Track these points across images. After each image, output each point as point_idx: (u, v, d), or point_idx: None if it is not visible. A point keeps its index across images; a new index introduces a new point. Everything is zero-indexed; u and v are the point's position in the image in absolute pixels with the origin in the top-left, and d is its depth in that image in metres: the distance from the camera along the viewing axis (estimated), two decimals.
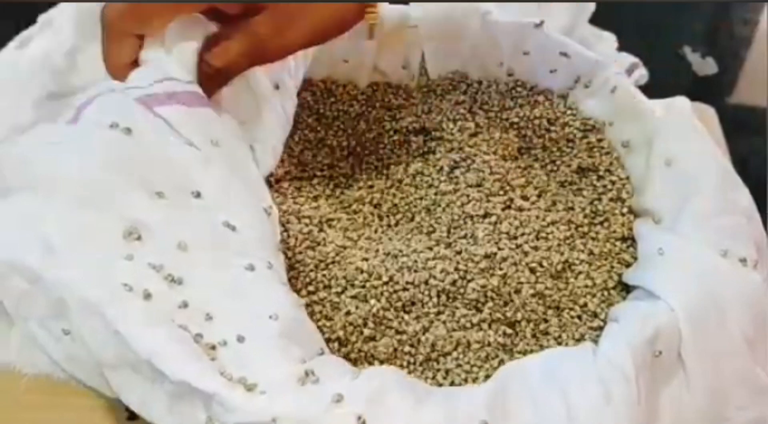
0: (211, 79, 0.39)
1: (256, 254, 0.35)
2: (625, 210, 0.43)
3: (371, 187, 0.45)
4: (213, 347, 0.32)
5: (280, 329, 0.33)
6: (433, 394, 0.34)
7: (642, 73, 0.50)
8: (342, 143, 0.47)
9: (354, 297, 0.39)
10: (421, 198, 0.44)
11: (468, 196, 0.43)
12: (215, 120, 0.37)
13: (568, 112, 0.48)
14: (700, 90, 0.65)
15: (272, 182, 0.45)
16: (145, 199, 0.34)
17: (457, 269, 0.40)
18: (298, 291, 0.39)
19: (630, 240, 0.42)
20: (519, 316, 0.39)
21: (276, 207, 0.40)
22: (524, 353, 0.38)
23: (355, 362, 0.37)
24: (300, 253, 0.40)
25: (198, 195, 0.35)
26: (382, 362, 0.37)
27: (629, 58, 0.51)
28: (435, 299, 0.39)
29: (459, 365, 0.37)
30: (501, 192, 0.44)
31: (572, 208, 0.44)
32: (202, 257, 0.34)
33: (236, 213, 0.35)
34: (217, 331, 0.32)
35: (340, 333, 0.37)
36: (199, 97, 0.37)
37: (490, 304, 0.39)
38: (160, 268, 0.33)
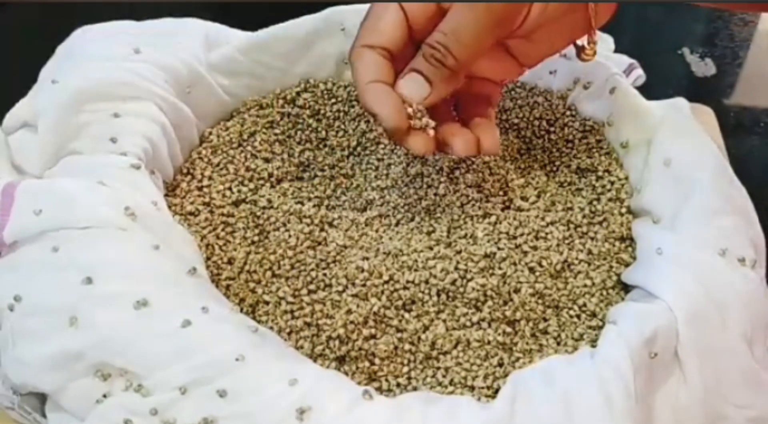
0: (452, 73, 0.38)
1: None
2: (623, 210, 0.43)
3: (372, 187, 0.45)
4: None
5: None
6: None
7: (639, 74, 0.50)
8: (343, 144, 0.48)
9: (355, 296, 0.39)
10: (420, 198, 0.44)
11: (468, 196, 0.43)
12: None
13: (568, 113, 0.48)
14: (699, 91, 0.65)
15: (273, 182, 0.45)
16: None
17: (457, 269, 0.40)
18: (299, 290, 0.39)
19: (629, 240, 0.43)
20: (518, 315, 0.39)
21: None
22: (523, 352, 0.38)
23: (355, 360, 0.37)
24: (301, 252, 0.41)
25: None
26: (382, 360, 0.37)
27: (626, 59, 0.51)
28: (435, 298, 0.39)
29: (458, 364, 0.38)
30: (500, 192, 0.44)
31: (571, 209, 0.44)
32: None
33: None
34: None
35: (341, 331, 0.37)
36: None
37: (490, 303, 0.39)
38: None
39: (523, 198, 0.44)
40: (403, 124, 0.38)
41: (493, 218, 0.43)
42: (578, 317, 0.40)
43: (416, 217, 0.43)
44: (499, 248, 0.41)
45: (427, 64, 0.37)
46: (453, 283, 0.39)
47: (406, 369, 0.37)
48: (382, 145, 0.47)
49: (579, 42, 0.41)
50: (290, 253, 0.40)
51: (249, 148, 0.46)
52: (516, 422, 0.33)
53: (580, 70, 0.47)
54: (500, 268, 0.40)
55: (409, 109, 0.38)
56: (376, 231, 0.43)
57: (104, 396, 0.33)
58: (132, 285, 0.34)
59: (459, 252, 0.41)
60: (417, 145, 0.38)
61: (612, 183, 0.44)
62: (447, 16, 0.37)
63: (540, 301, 0.40)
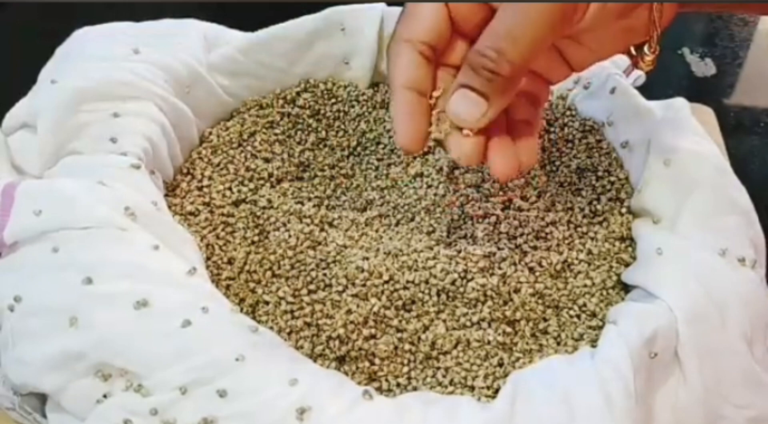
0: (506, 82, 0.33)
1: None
2: (623, 210, 0.43)
3: (372, 187, 0.45)
4: None
5: None
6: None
7: (639, 74, 0.50)
8: (343, 143, 0.48)
9: (355, 296, 0.39)
10: (420, 198, 0.44)
11: (467, 196, 0.43)
12: None
13: (568, 113, 0.48)
14: (699, 91, 0.65)
15: (273, 182, 0.45)
16: None
17: (456, 269, 0.40)
18: (299, 290, 0.39)
19: (629, 240, 0.42)
20: (518, 315, 0.39)
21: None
22: (523, 352, 0.38)
23: (355, 360, 0.37)
24: (301, 252, 0.41)
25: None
26: (382, 360, 0.37)
27: (626, 60, 0.51)
28: (435, 298, 0.39)
29: (458, 364, 0.38)
30: (500, 193, 0.44)
31: (571, 209, 0.44)
32: None
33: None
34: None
35: (341, 331, 0.37)
36: None
37: (490, 303, 0.39)
38: None
39: (523, 198, 0.44)
40: (416, 149, 0.35)
41: (492, 218, 0.43)
42: (578, 317, 0.40)
43: (416, 217, 0.43)
44: (499, 248, 0.41)
45: (478, 76, 0.32)
46: (453, 283, 0.39)
47: (406, 369, 0.37)
48: (382, 145, 0.47)
49: (633, 51, 0.36)
50: (290, 253, 0.40)
51: (249, 148, 0.46)
52: (516, 422, 0.33)
53: None
54: (500, 268, 0.40)
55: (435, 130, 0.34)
56: (376, 231, 0.43)
57: (104, 396, 0.33)
58: (132, 285, 0.34)
59: (459, 252, 0.41)
60: (460, 149, 0.34)
61: (612, 183, 0.44)
62: (498, 16, 0.32)
63: (540, 301, 0.40)
